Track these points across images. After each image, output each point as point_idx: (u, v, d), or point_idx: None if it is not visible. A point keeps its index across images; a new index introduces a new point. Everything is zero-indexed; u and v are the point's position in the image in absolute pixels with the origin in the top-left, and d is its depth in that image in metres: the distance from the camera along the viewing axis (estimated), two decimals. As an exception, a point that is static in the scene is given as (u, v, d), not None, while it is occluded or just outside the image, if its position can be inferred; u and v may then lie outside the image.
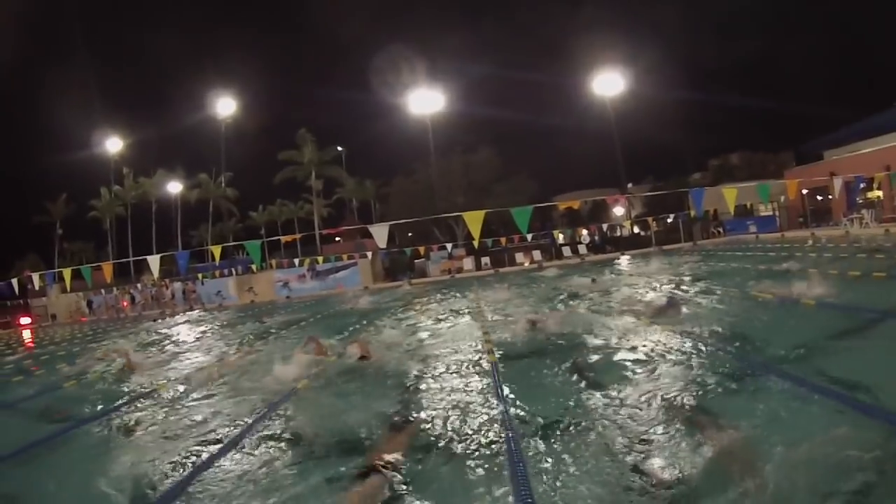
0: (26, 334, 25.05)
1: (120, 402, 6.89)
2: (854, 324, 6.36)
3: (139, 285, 34.09)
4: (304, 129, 43.20)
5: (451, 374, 6.24)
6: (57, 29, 76.98)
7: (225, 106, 43.02)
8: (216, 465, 4.21)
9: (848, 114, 38.01)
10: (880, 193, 26.56)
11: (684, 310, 8.31)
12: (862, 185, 25.37)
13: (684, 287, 11.59)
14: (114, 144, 46.90)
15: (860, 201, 27.11)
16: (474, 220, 13.30)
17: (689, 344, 6.25)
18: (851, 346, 5.49)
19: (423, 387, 5.83)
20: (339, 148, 48.04)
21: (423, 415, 4.83)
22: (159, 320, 22.54)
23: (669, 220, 32.03)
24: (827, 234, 22.42)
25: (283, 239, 30.89)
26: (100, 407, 6.81)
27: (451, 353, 7.35)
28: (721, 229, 30.55)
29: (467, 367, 6.42)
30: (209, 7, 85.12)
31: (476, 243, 19.93)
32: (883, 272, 9.77)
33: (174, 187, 50.20)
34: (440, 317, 11.69)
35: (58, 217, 51.42)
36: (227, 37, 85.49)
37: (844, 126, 33.57)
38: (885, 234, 19.11)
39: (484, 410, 4.78)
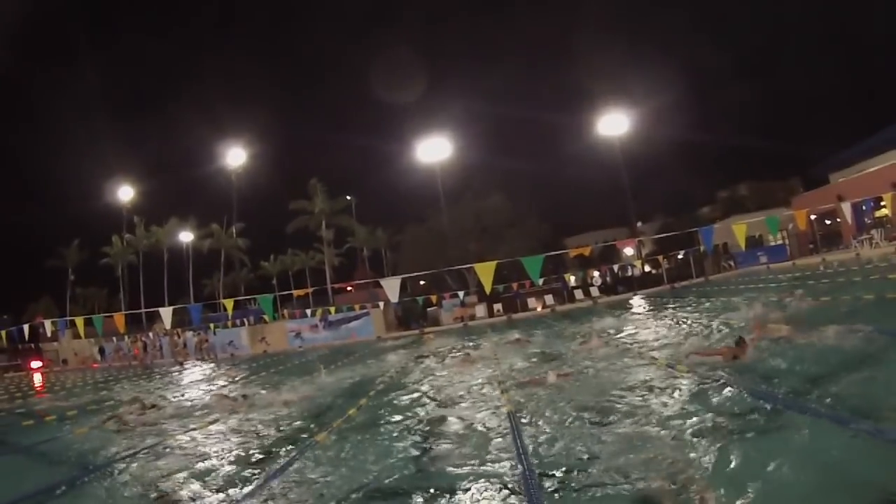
0: (37, 378, 25.10)
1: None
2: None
3: (151, 334, 34.08)
4: (315, 178, 43.70)
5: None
6: (71, 76, 79.48)
7: (236, 156, 43.63)
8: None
9: (852, 131, 38.04)
10: (888, 212, 26.34)
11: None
12: (871, 206, 25.24)
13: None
14: (126, 193, 47.30)
15: (869, 222, 26.96)
16: (485, 271, 13.19)
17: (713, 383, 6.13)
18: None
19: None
20: (349, 197, 48.25)
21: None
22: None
23: (680, 257, 31.92)
24: (838, 259, 22.44)
25: (296, 293, 31.11)
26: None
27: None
28: (732, 262, 30.37)
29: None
30: (222, 58, 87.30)
31: (487, 291, 19.83)
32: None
33: (186, 236, 50.24)
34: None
35: (70, 263, 51.63)
36: (239, 87, 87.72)
37: (847, 147, 33.72)
38: (895, 252, 19.20)
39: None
